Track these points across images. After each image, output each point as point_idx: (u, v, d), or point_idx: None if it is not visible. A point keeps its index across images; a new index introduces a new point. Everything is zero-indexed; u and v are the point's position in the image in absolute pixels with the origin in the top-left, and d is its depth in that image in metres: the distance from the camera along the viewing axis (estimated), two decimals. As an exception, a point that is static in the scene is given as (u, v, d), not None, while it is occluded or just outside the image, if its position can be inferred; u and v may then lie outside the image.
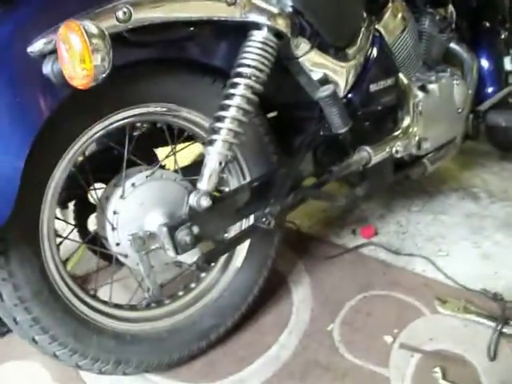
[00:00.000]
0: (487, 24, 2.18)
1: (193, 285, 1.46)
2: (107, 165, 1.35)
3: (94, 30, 0.90)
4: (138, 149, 1.33)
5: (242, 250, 1.45)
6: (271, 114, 1.60)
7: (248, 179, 1.39)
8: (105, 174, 1.35)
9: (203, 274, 1.47)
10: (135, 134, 1.35)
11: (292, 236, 1.99)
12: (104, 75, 0.93)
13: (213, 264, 1.45)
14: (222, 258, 1.46)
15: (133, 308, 1.39)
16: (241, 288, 1.47)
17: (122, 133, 1.28)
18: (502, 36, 2.19)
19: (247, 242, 1.44)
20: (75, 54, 0.88)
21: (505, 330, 1.41)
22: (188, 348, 1.40)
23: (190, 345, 1.40)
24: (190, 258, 1.25)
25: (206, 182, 1.17)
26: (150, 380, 1.40)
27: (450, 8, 1.92)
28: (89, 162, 1.34)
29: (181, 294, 1.45)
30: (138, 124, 1.40)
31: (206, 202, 1.16)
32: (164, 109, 1.26)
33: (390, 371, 1.34)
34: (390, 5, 1.64)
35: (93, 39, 0.89)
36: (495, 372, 1.30)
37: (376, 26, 1.57)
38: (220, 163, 1.16)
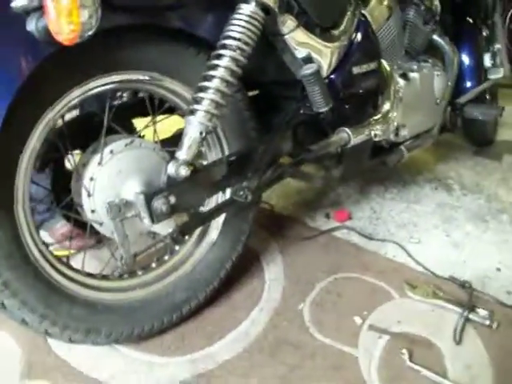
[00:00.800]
0: (470, 20, 2.22)
1: (166, 257, 1.46)
2: (87, 131, 1.34)
3: (83, -14, 0.89)
4: (119, 118, 1.32)
5: (217, 224, 1.46)
6: (253, 92, 1.60)
7: (227, 153, 1.39)
8: (84, 141, 1.34)
9: (177, 247, 1.46)
10: (116, 102, 1.33)
11: (267, 216, 2.01)
12: (90, 32, 0.92)
13: (187, 237, 1.45)
14: (197, 232, 1.46)
15: (105, 277, 1.38)
16: (214, 262, 1.47)
17: (103, 100, 1.27)
18: (484, 33, 2.23)
19: (222, 217, 1.44)
20: (62, 8, 0.87)
21: (471, 316, 1.44)
22: (159, 320, 1.39)
23: (162, 317, 1.39)
24: (165, 229, 1.25)
25: (185, 151, 1.16)
26: (120, 351, 1.39)
27: (436, 1, 1.94)
28: (68, 128, 1.32)
29: (154, 265, 1.44)
30: (119, 93, 1.39)
31: (184, 172, 1.16)
32: (146, 77, 1.25)
33: (359, 351, 1.36)
34: (376, -9, 1.66)
35: (82, -5, 0.88)
36: (460, 356, 1.33)
37: (362, 11, 1.59)
38: (201, 133, 1.15)
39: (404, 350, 1.35)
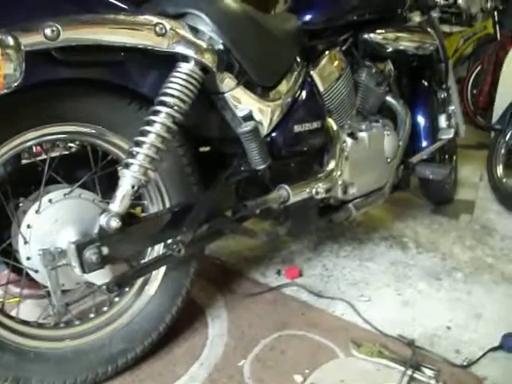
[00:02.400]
0: (425, 83, 2.29)
1: (105, 308, 1.45)
2: (29, 180, 1.35)
3: (9, 40, 0.94)
4: (63, 168, 1.34)
5: (157, 277, 1.45)
6: (204, 149, 1.63)
7: (167, 207, 1.40)
8: (26, 189, 1.35)
9: (117, 298, 1.45)
10: (56, 153, 1.36)
11: (216, 271, 2.00)
12: (15, 84, 0.95)
13: (127, 289, 1.45)
14: (137, 284, 1.46)
15: (41, 326, 1.36)
16: (152, 315, 1.46)
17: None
18: (442, 95, 2.31)
19: (162, 270, 1.44)
20: (-14, 60, 0.91)
21: (416, 376, 1.43)
22: (93, 372, 1.36)
23: (96, 369, 1.37)
24: (101, 279, 1.25)
25: (117, 204, 1.18)
26: (50, 404, 1.36)
27: (389, 64, 2.01)
28: (10, 176, 1.34)
29: (92, 316, 1.43)
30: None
31: (115, 223, 1.17)
32: (91, 130, 1.28)
33: (296, 411, 1.35)
34: (326, 53, 1.72)
35: (6, 49, 0.93)
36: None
37: (310, 72, 1.64)
38: (133, 186, 1.17)
39: (346, 411, 1.33)
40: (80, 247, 1.16)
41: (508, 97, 2.61)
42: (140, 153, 1.18)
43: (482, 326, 1.69)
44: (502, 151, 2.66)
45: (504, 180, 2.63)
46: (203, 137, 1.52)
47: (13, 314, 1.35)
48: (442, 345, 1.59)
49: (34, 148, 1.29)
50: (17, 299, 1.50)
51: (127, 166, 1.19)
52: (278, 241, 2.15)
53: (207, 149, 1.64)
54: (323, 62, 1.70)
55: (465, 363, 1.50)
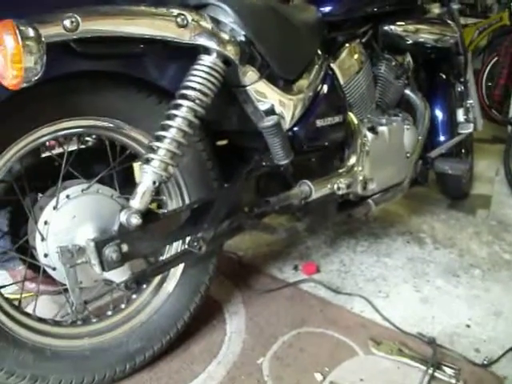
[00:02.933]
0: (443, 76, 2.25)
1: (123, 305, 1.43)
2: (46, 175, 1.33)
3: (29, 32, 0.90)
4: (79, 162, 1.32)
5: (176, 274, 1.43)
6: (222, 142, 1.60)
7: (187, 203, 1.37)
8: (43, 184, 1.33)
9: (134, 296, 1.43)
10: (75, 147, 1.33)
11: (233, 267, 1.98)
12: (36, 78, 0.92)
13: (145, 286, 1.43)
14: (155, 281, 1.43)
15: (58, 323, 1.34)
16: (170, 313, 1.44)
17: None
18: (459, 89, 2.27)
19: (181, 267, 1.42)
20: (7, 53, 0.88)
21: (436, 374, 1.41)
22: (111, 369, 1.35)
23: (114, 366, 1.35)
24: (120, 277, 1.22)
25: (138, 200, 1.15)
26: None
27: (408, 57, 1.97)
28: (27, 171, 1.31)
29: (109, 313, 1.41)
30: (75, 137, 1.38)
31: (135, 220, 1.14)
32: (108, 124, 1.25)
33: (317, 409, 1.33)
34: (347, 46, 1.68)
35: (27, 41, 0.89)
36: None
37: (330, 64, 1.60)
38: (154, 182, 1.15)
39: (365, 410, 1.31)
40: (99, 245, 1.14)
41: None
42: (161, 148, 1.15)
43: (501, 324, 1.66)
44: (520, 145, 2.62)
45: (521, 174, 2.60)
46: (224, 131, 1.49)
47: (29, 310, 1.33)
48: (462, 343, 1.57)
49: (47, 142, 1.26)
50: (33, 295, 1.48)
51: (148, 161, 1.16)
52: (295, 236, 2.12)
53: (225, 143, 1.62)
54: (343, 54, 1.66)
55: (485, 362, 1.48)
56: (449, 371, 1.42)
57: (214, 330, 1.61)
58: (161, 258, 1.41)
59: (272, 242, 2.17)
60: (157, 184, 1.15)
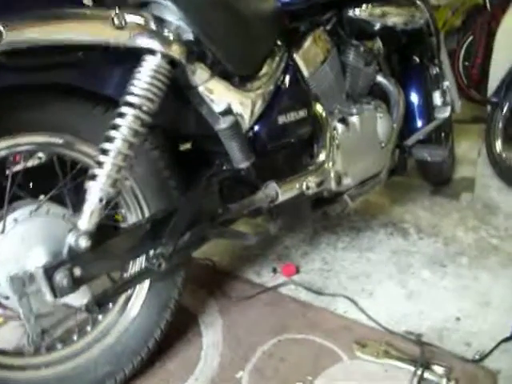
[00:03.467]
0: (417, 59, 2.17)
1: (88, 328, 1.35)
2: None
3: None
4: (30, 181, 1.23)
5: (141, 291, 1.35)
6: (185, 147, 1.52)
7: (146, 216, 1.29)
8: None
9: (100, 317, 1.35)
10: (19, 167, 1.24)
11: (207, 274, 1.90)
12: None
13: (111, 305, 1.34)
14: (121, 299, 1.35)
15: (19, 354, 1.26)
16: (139, 332, 1.36)
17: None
18: (434, 71, 2.19)
19: (147, 283, 1.34)
20: None
21: (426, 375, 1.34)
22: (79, 399, 1.27)
23: (82, 395, 1.28)
24: (79, 299, 1.15)
25: (86, 220, 1.08)
26: None
27: (378, 42, 1.89)
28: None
29: (75, 338, 1.33)
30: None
31: (84, 242, 1.07)
32: (57, 139, 1.17)
33: (300, 423, 1.26)
34: (310, 35, 1.60)
35: None
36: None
37: (293, 55, 1.52)
38: (101, 200, 1.07)
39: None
40: (49, 271, 1.06)
41: (503, 69, 2.49)
42: (106, 162, 1.07)
43: (491, 314, 1.60)
44: (500, 125, 2.55)
45: (504, 155, 2.53)
46: (183, 135, 1.41)
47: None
48: (452, 338, 1.51)
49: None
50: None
51: (93, 177, 1.07)
52: (272, 236, 2.04)
53: (188, 147, 1.53)
54: (306, 44, 1.57)
55: (477, 357, 1.42)
56: (439, 370, 1.36)
57: (189, 344, 1.53)
58: (124, 275, 1.33)
59: (248, 244, 2.09)
60: (104, 201, 1.06)
